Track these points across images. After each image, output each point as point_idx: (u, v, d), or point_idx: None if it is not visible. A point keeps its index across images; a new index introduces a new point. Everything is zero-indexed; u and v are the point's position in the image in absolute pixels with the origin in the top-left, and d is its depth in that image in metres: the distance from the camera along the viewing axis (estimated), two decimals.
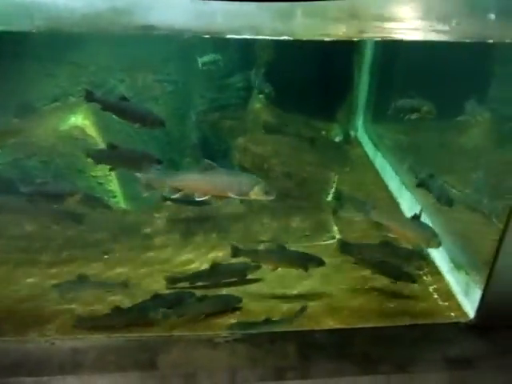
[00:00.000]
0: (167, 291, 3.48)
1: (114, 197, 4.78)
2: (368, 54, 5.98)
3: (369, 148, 5.88)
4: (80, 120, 4.70)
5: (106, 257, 4.01)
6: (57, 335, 2.88)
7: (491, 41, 2.48)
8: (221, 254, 4.00)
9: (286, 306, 3.37)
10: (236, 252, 3.44)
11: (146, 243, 4.18)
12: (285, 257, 3.39)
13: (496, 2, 2.49)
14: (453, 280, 3.63)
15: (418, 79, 4.43)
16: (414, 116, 4.25)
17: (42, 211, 3.98)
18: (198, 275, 3.63)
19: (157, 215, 4.48)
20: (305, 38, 2.21)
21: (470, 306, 3.20)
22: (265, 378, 2.48)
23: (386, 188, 5.07)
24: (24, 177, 4.19)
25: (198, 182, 2.78)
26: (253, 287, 3.60)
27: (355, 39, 2.16)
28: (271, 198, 2.79)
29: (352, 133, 6.21)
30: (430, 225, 3.53)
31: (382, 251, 3.37)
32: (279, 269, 3.39)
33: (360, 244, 3.64)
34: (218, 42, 5.16)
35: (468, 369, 2.62)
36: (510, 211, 2.57)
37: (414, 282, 3.42)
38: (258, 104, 5.50)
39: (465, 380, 2.62)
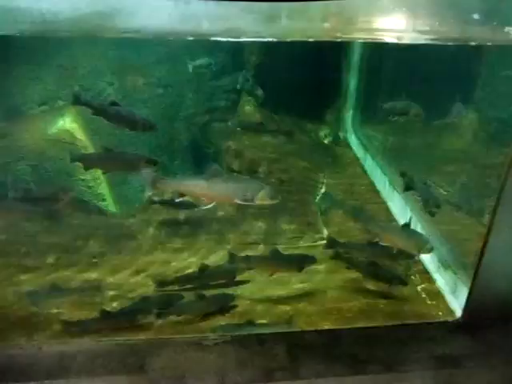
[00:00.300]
0: (156, 294, 3.48)
1: (104, 200, 4.77)
2: (357, 56, 6.02)
3: (358, 149, 5.92)
4: (68, 123, 4.68)
5: (94, 260, 3.99)
6: (44, 340, 2.86)
7: (474, 43, 2.52)
8: (211, 257, 4.00)
9: (275, 307, 3.38)
10: (232, 259, 3.46)
11: (135, 246, 4.16)
12: (281, 261, 3.39)
13: (479, 5, 2.52)
14: (440, 279, 3.67)
15: (405, 81, 4.47)
16: (402, 119, 4.28)
17: (17, 209, 3.86)
18: (187, 278, 3.62)
19: (145, 218, 4.47)
20: (289, 40, 2.22)
21: (457, 305, 3.23)
22: (254, 380, 2.48)
23: (374, 189, 5.11)
24: (12, 181, 4.15)
25: (203, 188, 2.77)
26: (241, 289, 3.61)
27: (338, 40, 2.18)
28: (276, 201, 2.82)
29: (341, 134, 6.25)
30: (419, 225, 3.57)
31: (369, 250, 3.39)
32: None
33: (348, 243, 3.67)
34: (207, 45, 5.17)
35: (455, 367, 2.64)
36: (493, 211, 2.61)
37: (404, 285, 3.46)
38: (247, 106, 5.52)
39: (452, 378, 2.64)
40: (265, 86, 5.32)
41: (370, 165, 5.49)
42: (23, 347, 2.66)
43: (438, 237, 3.79)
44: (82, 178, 4.64)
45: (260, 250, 4.11)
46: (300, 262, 3.37)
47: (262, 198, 2.76)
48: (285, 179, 4.82)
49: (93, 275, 3.75)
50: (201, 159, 5.28)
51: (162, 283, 3.59)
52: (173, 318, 3.20)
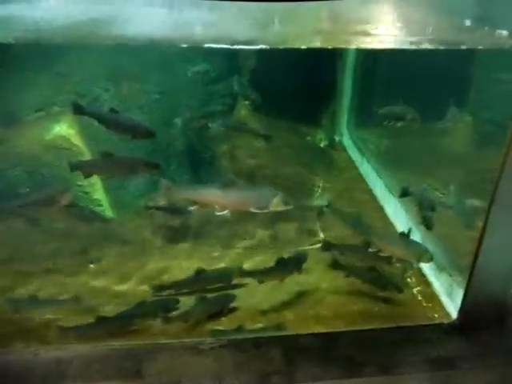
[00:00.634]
0: (153, 298, 3.49)
1: (100, 205, 4.76)
2: (352, 61, 6.06)
3: (354, 153, 5.94)
4: (65, 129, 4.68)
5: (91, 266, 3.99)
6: (40, 346, 2.86)
7: (465, 47, 2.54)
8: (206, 262, 4.00)
9: (271, 311, 3.39)
10: (241, 273, 3.53)
11: (132, 251, 4.17)
12: (284, 267, 3.39)
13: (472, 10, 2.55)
14: (436, 281, 3.68)
15: (400, 84, 4.50)
16: (398, 124, 4.29)
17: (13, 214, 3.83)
18: (183, 282, 3.62)
19: (141, 223, 4.48)
20: (281, 47, 2.24)
21: (453, 307, 3.24)
22: None
23: (370, 192, 5.12)
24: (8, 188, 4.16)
25: (217, 197, 2.78)
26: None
27: (329, 47, 2.20)
28: (290, 207, 2.82)
29: (337, 138, 6.27)
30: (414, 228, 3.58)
31: (364, 252, 3.41)
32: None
33: (343, 245, 3.68)
34: (202, 51, 5.19)
35: (451, 369, 2.65)
36: (487, 213, 2.62)
37: (400, 292, 3.46)
38: (243, 111, 5.53)
39: (448, 380, 2.65)
40: (261, 90, 5.34)
41: (366, 168, 5.52)
42: (19, 353, 2.66)
43: (433, 238, 3.81)
44: (79, 183, 4.64)
45: (258, 253, 4.11)
46: (298, 263, 3.41)
47: (277, 204, 2.78)
48: (280, 183, 4.83)
49: (91, 281, 3.75)
50: (197, 164, 5.29)
51: (158, 288, 3.60)
52: (179, 324, 3.20)
